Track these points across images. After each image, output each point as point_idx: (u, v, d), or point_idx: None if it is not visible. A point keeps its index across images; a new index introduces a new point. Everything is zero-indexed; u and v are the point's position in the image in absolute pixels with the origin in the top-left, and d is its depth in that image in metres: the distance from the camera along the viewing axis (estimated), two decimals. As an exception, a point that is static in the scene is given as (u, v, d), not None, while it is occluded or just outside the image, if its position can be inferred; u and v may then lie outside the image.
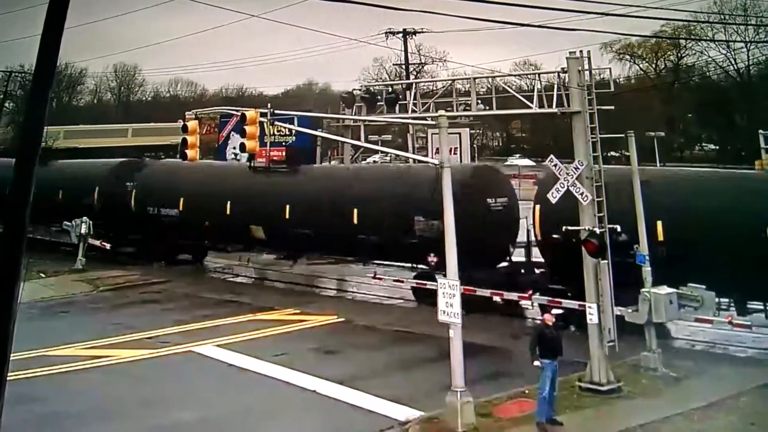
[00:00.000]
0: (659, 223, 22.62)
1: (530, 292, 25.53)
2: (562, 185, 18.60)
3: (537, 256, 27.63)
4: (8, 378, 5.76)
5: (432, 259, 26.48)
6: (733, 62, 68.39)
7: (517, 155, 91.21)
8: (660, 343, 20.25)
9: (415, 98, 26.22)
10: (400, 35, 65.54)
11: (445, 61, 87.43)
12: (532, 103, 21.36)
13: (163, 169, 41.11)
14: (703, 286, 20.35)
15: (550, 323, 17.24)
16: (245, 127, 20.20)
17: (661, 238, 22.60)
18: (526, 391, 18.30)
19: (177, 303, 31.29)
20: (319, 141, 44.81)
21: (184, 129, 21.20)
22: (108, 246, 39.42)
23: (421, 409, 17.66)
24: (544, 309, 22.49)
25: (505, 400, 18.06)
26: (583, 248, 18.66)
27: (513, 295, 26.12)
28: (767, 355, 22.25)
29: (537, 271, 27.64)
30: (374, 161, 58.67)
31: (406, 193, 29.00)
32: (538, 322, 21.21)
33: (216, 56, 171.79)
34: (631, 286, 19.77)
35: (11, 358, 5.76)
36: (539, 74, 24.32)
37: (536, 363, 16.82)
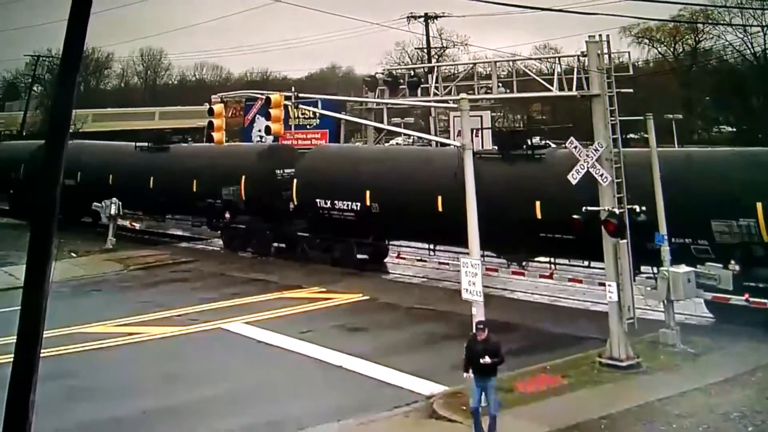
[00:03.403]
0: None
1: (552, 270, 25.89)
2: (582, 167, 18.96)
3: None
4: (41, 354, 6.07)
5: None
6: (749, 46, 67.96)
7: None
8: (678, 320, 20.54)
9: (436, 81, 26.39)
10: (422, 20, 65.65)
11: (466, 45, 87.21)
12: (552, 86, 21.57)
13: (334, 155, 35.83)
14: (720, 265, 20.61)
15: (480, 339, 15.45)
16: (270, 110, 20.55)
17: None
18: (548, 368, 18.78)
19: (205, 281, 31.77)
20: (342, 124, 45.22)
21: (210, 112, 21.53)
22: (138, 226, 39.86)
23: (445, 384, 18.09)
24: None
25: (527, 376, 18.34)
26: (603, 228, 19.06)
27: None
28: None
29: None
30: (397, 143, 59.04)
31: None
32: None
33: (241, 41, 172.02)
34: None
35: (44, 335, 6.06)
36: (559, 58, 24.44)
37: (465, 375, 15.68)
